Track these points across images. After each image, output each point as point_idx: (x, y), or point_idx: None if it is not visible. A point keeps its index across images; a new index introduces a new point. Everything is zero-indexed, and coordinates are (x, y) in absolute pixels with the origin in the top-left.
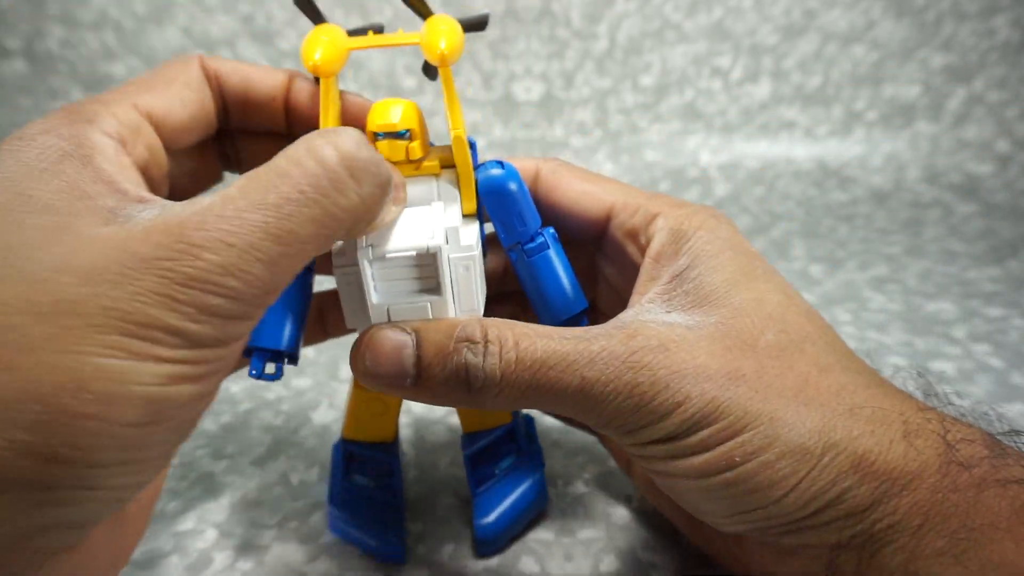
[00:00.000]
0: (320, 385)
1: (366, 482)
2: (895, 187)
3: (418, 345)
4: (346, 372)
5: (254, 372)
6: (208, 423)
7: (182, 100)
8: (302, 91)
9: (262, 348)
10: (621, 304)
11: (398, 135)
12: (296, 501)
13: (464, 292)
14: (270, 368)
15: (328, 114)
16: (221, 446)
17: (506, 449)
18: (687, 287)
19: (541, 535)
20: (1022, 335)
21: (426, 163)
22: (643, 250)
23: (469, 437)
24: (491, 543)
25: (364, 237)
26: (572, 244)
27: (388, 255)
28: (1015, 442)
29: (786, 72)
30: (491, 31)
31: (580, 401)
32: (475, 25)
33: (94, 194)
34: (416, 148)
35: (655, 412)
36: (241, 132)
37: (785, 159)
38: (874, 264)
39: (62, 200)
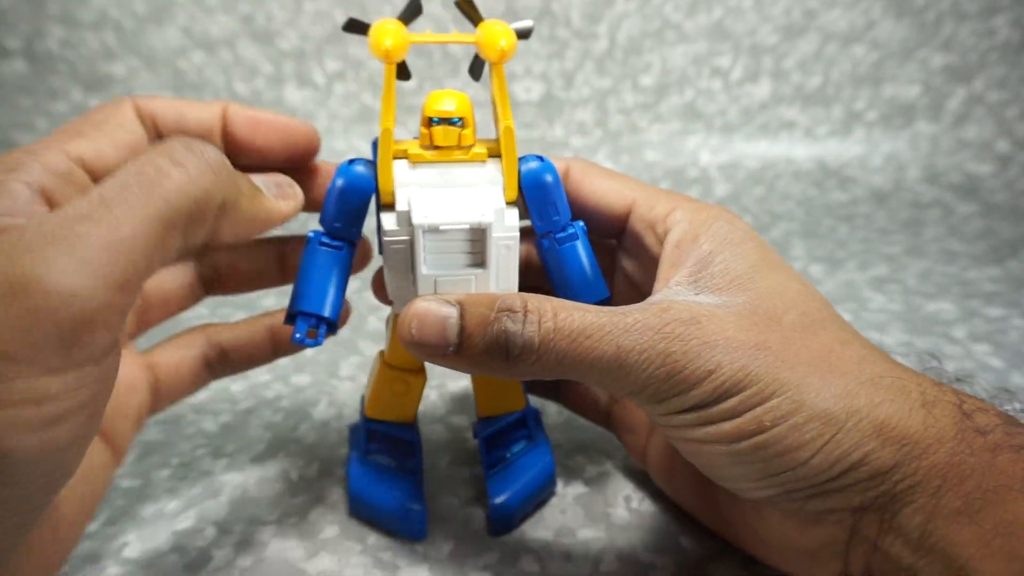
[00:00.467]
0: (320, 383)
1: (387, 461)
2: (895, 187)
3: (462, 315)
4: (345, 370)
5: (297, 335)
6: (207, 423)
7: (114, 142)
8: (237, 117)
9: (306, 313)
10: (638, 298)
11: (451, 122)
12: (296, 498)
13: (504, 271)
14: (312, 333)
15: (390, 100)
16: (221, 444)
17: (517, 434)
18: (713, 270)
19: (541, 535)
20: (1022, 335)
21: (475, 150)
22: (660, 240)
23: (484, 421)
24: (504, 521)
25: (418, 210)
26: (594, 243)
27: (442, 227)
28: None
29: (786, 72)
30: None
31: (615, 369)
32: (521, 34)
33: None
34: (468, 135)
35: (687, 380)
36: None
37: (785, 159)
38: (874, 264)
39: None
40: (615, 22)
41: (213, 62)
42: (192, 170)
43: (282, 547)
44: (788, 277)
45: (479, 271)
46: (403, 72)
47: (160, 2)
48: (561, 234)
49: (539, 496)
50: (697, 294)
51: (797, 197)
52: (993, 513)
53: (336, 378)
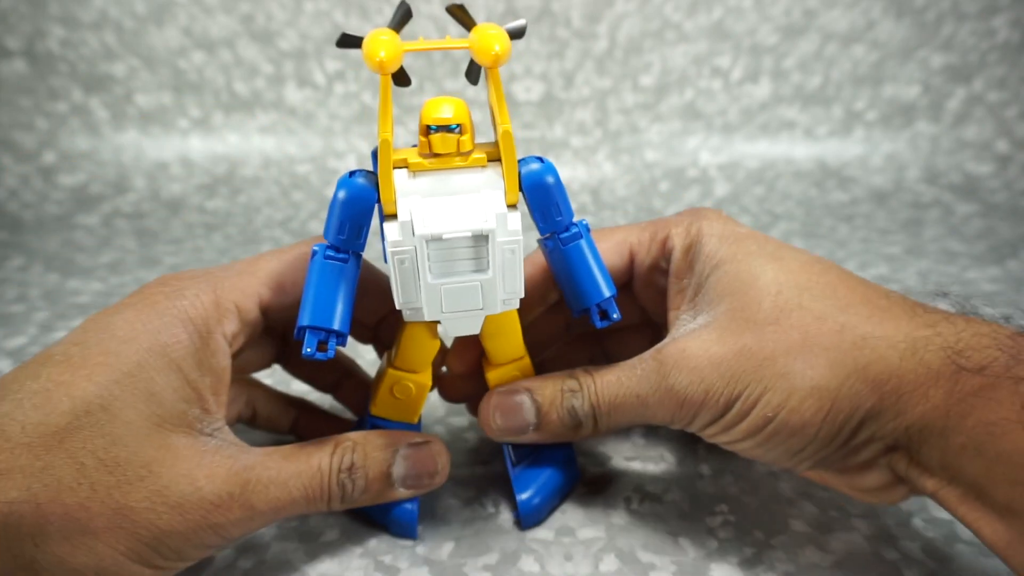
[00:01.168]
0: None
1: None
2: (895, 187)
3: (534, 400)
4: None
5: (308, 350)
6: None
7: (290, 302)
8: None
9: (315, 327)
10: (657, 331)
11: (450, 129)
12: None
13: (509, 274)
14: (323, 347)
15: (387, 111)
16: None
17: None
18: (703, 290)
19: (541, 535)
20: None
21: (474, 156)
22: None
23: None
24: (531, 516)
25: (421, 220)
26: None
27: (445, 236)
28: None
29: (786, 72)
30: None
31: (641, 412)
32: (515, 34)
33: (190, 400)
34: (466, 141)
35: (693, 404)
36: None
37: (785, 159)
38: (874, 264)
39: (171, 398)
40: (615, 22)
41: (213, 62)
42: (339, 507)
43: (283, 549)
44: (760, 261)
45: (484, 276)
46: (402, 79)
47: (160, 2)
48: (565, 234)
49: (564, 488)
50: (695, 318)
51: (797, 197)
52: (995, 444)
53: None
